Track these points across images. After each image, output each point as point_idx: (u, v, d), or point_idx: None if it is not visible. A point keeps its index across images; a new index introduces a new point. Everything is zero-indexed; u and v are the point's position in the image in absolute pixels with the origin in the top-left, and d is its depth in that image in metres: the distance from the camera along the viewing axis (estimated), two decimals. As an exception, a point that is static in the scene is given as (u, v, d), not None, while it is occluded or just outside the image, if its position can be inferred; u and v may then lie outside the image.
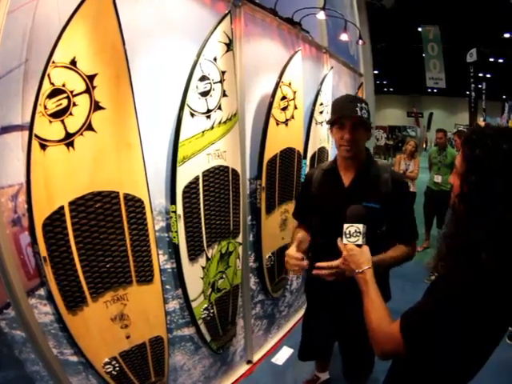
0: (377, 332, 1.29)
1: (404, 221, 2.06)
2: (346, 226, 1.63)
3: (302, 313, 3.98)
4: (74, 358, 1.80)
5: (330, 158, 4.08)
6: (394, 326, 1.22)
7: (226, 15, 2.30)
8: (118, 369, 1.92)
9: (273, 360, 3.32)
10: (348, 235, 1.62)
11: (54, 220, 1.61)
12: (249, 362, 3.20)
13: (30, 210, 1.55)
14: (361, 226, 1.61)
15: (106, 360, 1.87)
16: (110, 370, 1.88)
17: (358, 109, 1.92)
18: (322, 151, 3.99)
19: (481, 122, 12.86)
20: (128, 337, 1.96)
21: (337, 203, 1.94)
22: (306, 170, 3.60)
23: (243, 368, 3.13)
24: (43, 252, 1.58)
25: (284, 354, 3.39)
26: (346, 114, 1.94)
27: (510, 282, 1.11)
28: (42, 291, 1.65)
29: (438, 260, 1.31)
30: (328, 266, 1.75)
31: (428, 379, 1.30)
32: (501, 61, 19.05)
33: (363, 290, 1.44)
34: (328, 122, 2.05)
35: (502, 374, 2.85)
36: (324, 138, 4.01)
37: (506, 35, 14.83)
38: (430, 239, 6.30)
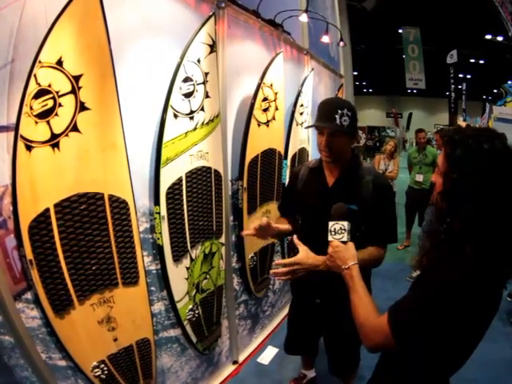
0: (365, 326, 1.32)
1: (380, 224, 2.07)
2: (331, 223, 1.66)
3: (285, 312, 4.02)
4: (63, 363, 1.78)
5: (311, 158, 4.12)
6: (382, 319, 1.25)
7: (210, 17, 2.31)
8: (106, 372, 1.90)
9: (258, 360, 3.34)
10: (333, 232, 1.65)
11: (40, 222, 1.58)
12: (235, 362, 3.20)
13: (15, 212, 1.52)
14: (345, 224, 1.64)
15: (95, 364, 1.85)
16: (98, 373, 1.87)
17: (337, 116, 1.93)
18: (302, 152, 4.02)
19: (461, 122, 13.09)
20: (115, 339, 1.94)
21: (319, 202, 1.98)
22: (286, 170, 3.63)
23: (229, 368, 3.14)
24: (29, 255, 1.56)
25: (269, 354, 3.42)
26: (321, 123, 1.98)
27: (494, 274, 1.16)
28: (28, 295, 1.62)
29: (422, 255, 1.35)
30: (284, 262, 1.85)
31: (415, 370, 1.34)
32: (481, 62, 19.49)
33: (350, 286, 1.47)
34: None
35: (488, 365, 2.95)
36: (304, 138, 4.04)
37: (488, 36, 15.17)
38: (410, 238, 6.42)
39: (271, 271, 1.89)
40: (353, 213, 1.91)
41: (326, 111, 1.98)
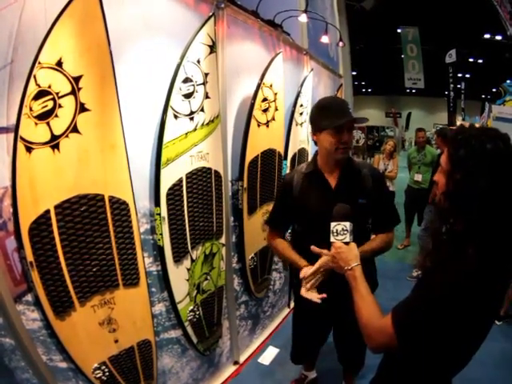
0: (369, 326, 1.32)
1: (384, 211, 2.17)
2: (333, 224, 1.65)
3: (285, 312, 4.03)
4: (64, 365, 1.77)
5: (310, 158, 4.11)
6: (386, 319, 1.25)
7: (210, 17, 2.31)
8: (107, 374, 1.90)
9: (259, 360, 3.34)
10: (335, 233, 1.64)
11: (40, 224, 1.58)
12: (235, 362, 3.20)
13: (15, 214, 1.52)
14: (347, 224, 1.63)
15: (96, 365, 1.85)
16: (99, 375, 1.86)
17: (351, 111, 2.01)
18: (302, 152, 4.03)
19: (462, 121, 13.10)
20: (116, 341, 1.94)
21: (325, 205, 1.95)
22: (286, 170, 3.63)
23: (230, 369, 3.14)
24: (29, 257, 1.55)
25: (270, 354, 3.42)
26: (349, 118, 1.98)
27: (496, 275, 1.15)
28: (29, 297, 1.61)
29: (424, 256, 1.34)
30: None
31: (419, 371, 1.34)
32: (480, 61, 19.51)
33: (353, 286, 1.47)
34: (329, 127, 1.99)
35: (489, 364, 2.95)
36: (304, 139, 4.04)
37: (486, 36, 15.18)
38: (410, 237, 6.43)
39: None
40: (362, 207, 1.98)
41: (343, 108, 2.02)
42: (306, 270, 1.90)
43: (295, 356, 2.68)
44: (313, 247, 1.81)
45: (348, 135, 2.00)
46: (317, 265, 1.85)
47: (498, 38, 15.14)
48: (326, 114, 2.02)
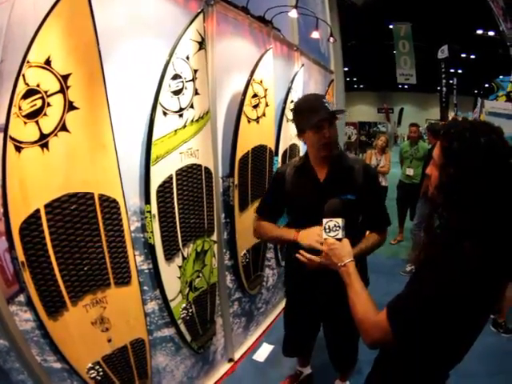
0: (364, 322, 1.32)
1: (377, 209, 2.14)
2: (325, 220, 1.66)
3: (279, 309, 4.03)
4: (58, 365, 1.76)
5: (302, 154, 4.11)
6: (381, 315, 1.26)
7: (199, 13, 2.30)
8: (101, 373, 1.89)
9: (254, 357, 3.35)
10: (328, 230, 1.65)
11: (31, 224, 1.57)
12: (230, 360, 3.20)
13: (6, 214, 1.51)
14: (340, 220, 1.64)
15: (90, 365, 1.84)
16: (94, 375, 1.86)
17: (327, 105, 1.96)
18: (293, 148, 4.03)
19: (455, 116, 13.14)
20: (109, 340, 1.93)
21: (313, 198, 1.98)
22: (277, 166, 3.62)
23: (225, 367, 3.14)
24: (21, 257, 1.55)
25: (264, 351, 3.42)
26: (325, 115, 1.94)
27: (492, 269, 1.15)
28: (21, 297, 1.61)
29: (419, 251, 1.35)
30: (309, 258, 1.83)
31: (414, 365, 1.34)
32: (473, 56, 19.59)
33: (347, 283, 1.47)
34: (307, 128, 2.01)
35: (486, 357, 2.98)
36: (295, 134, 4.03)
37: (479, 31, 15.23)
38: (403, 232, 6.45)
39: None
40: (351, 203, 1.94)
41: (317, 105, 1.98)
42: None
43: (286, 348, 2.67)
44: (298, 255, 1.85)
45: (329, 130, 1.96)
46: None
47: (491, 33, 15.15)
48: (303, 115, 2.03)
